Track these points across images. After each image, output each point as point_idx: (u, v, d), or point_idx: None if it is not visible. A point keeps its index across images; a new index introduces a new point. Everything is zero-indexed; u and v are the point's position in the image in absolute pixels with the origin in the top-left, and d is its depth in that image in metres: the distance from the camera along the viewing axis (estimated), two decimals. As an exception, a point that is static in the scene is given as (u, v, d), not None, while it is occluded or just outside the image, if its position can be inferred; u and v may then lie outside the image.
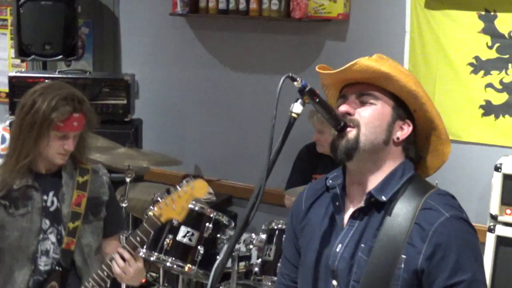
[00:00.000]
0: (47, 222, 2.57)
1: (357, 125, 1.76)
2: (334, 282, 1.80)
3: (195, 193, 2.48)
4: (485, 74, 3.66)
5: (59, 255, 2.57)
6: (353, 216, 1.81)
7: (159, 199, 2.51)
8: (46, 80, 4.09)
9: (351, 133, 1.76)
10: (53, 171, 2.61)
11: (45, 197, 2.58)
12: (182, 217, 2.50)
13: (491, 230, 3.37)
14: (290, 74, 1.63)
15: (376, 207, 1.78)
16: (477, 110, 3.70)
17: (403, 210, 1.73)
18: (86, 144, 2.66)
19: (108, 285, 2.56)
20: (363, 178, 1.81)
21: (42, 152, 2.53)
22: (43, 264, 2.56)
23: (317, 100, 1.67)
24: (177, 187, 2.50)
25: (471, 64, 3.68)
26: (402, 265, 1.69)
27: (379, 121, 1.78)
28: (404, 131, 1.81)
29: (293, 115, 1.64)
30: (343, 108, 1.78)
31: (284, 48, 4.23)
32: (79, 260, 2.61)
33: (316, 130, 3.74)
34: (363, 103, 1.78)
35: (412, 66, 3.79)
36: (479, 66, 3.67)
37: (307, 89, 1.64)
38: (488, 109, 3.68)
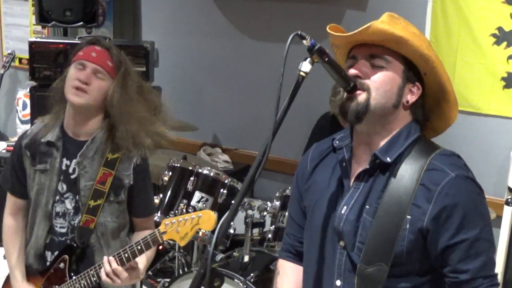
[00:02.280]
0: (64, 186, 2.52)
1: (367, 89, 1.74)
2: (342, 243, 1.80)
3: (201, 223, 2.35)
4: (508, 46, 3.58)
5: (74, 223, 2.52)
6: (358, 178, 1.80)
7: (170, 215, 2.41)
8: (67, 47, 4.15)
9: (361, 96, 1.74)
10: (81, 139, 2.51)
11: (67, 162, 2.51)
12: (184, 243, 2.38)
13: (508, 203, 3.32)
14: (299, 32, 1.61)
15: (381, 168, 1.77)
16: (499, 82, 3.64)
17: (408, 171, 1.73)
18: (127, 113, 2.45)
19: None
20: (371, 140, 1.80)
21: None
22: (59, 225, 2.53)
23: (326, 59, 1.65)
24: (187, 211, 2.44)
25: (493, 35, 3.61)
26: (407, 226, 1.69)
27: (390, 85, 1.76)
28: (413, 94, 1.80)
29: (302, 73, 1.62)
30: (353, 71, 1.76)
31: (304, 17, 4.18)
32: (93, 238, 2.53)
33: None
34: (374, 66, 1.76)
35: (433, 37, 3.74)
36: (502, 37, 3.59)
37: (316, 48, 1.63)
38: (510, 81, 3.61)
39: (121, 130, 2.47)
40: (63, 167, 2.51)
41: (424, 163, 1.73)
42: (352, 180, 1.82)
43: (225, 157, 4.48)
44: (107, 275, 2.35)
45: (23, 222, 2.64)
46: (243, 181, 4.16)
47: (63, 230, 2.53)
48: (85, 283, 2.44)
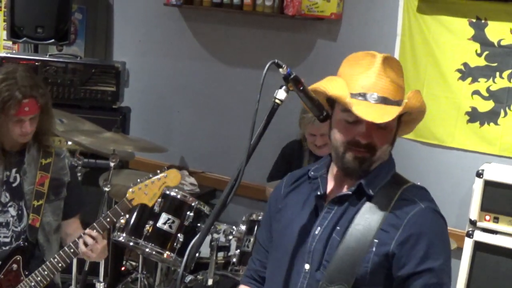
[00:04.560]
0: (7, 195, 2.73)
1: (373, 151, 1.82)
2: (307, 266, 1.84)
3: (168, 181, 2.62)
4: (473, 81, 3.69)
5: (19, 229, 2.72)
6: (333, 201, 1.85)
7: (132, 184, 2.57)
8: (37, 63, 4.13)
9: (366, 163, 1.82)
10: (17, 150, 2.77)
11: (7, 173, 2.76)
12: (152, 203, 2.65)
13: (469, 235, 3.39)
14: (276, 60, 1.65)
15: (358, 196, 1.83)
16: (463, 116, 3.73)
17: (381, 200, 1.80)
18: (47, 128, 2.81)
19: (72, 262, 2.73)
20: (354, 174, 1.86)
21: (5, 133, 2.70)
22: (3, 235, 2.72)
23: (301, 88, 1.70)
24: (151, 175, 2.62)
25: (459, 71, 3.71)
26: (373, 249, 1.75)
27: (390, 139, 1.85)
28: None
29: (277, 101, 1.67)
30: (364, 142, 1.79)
31: (275, 45, 4.24)
32: (42, 237, 2.76)
33: (318, 134, 3.50)
34: (380, 127, 1.80)
35: (401, 69, 3.82)
36: (467, 73, 3.69)
37: (292, 76, 1.67)
38: (474, 116, 3.71)
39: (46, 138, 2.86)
40: (4, 178, 2.75)
41: (396, 193, 1.81)
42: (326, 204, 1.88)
43: (192, 179, 4.47)
44: (88, 246, 2.58)
45: None
46: (210, 204, 4.17)
47: (7, 240, 2.72)
48: (41, 279, 2.62)
